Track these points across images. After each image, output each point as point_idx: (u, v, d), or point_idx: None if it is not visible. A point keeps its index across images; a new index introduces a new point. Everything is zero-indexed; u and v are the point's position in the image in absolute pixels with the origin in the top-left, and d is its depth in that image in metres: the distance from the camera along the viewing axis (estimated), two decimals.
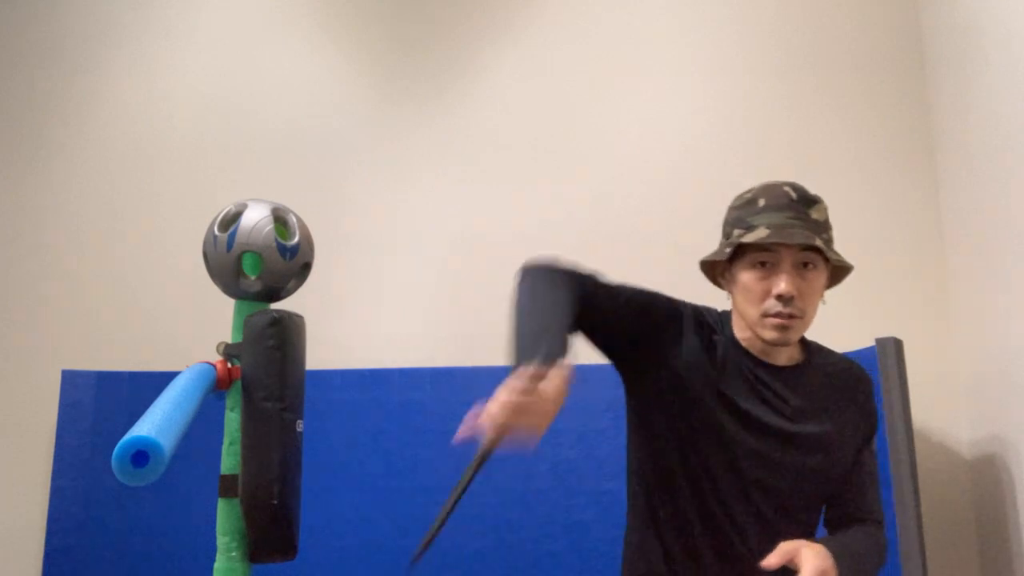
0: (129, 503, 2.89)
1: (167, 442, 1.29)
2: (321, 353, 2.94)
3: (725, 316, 1.48)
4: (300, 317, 1.88)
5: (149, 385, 2.91)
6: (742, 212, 1.37)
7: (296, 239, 1.90)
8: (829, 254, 1.33)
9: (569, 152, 3.22)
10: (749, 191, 1.39)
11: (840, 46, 3.13)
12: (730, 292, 1.43)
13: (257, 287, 1.86)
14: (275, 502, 1.72)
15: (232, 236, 1.84)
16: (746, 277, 1.36)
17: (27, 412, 3.22)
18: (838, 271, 1.42)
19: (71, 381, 3.00)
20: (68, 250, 3.37)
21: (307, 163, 3.33)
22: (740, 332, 1.43)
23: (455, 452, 2.84)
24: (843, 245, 3.00)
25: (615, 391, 2.79)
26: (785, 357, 1.43)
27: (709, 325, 1.44)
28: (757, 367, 1.41)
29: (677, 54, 3.23)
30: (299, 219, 1.95)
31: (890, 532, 2.31)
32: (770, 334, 1.35)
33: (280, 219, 1.90)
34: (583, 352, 3.01)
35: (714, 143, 3.14)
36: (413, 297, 3.18)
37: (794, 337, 1.35)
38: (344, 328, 3.19)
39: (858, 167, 3.04)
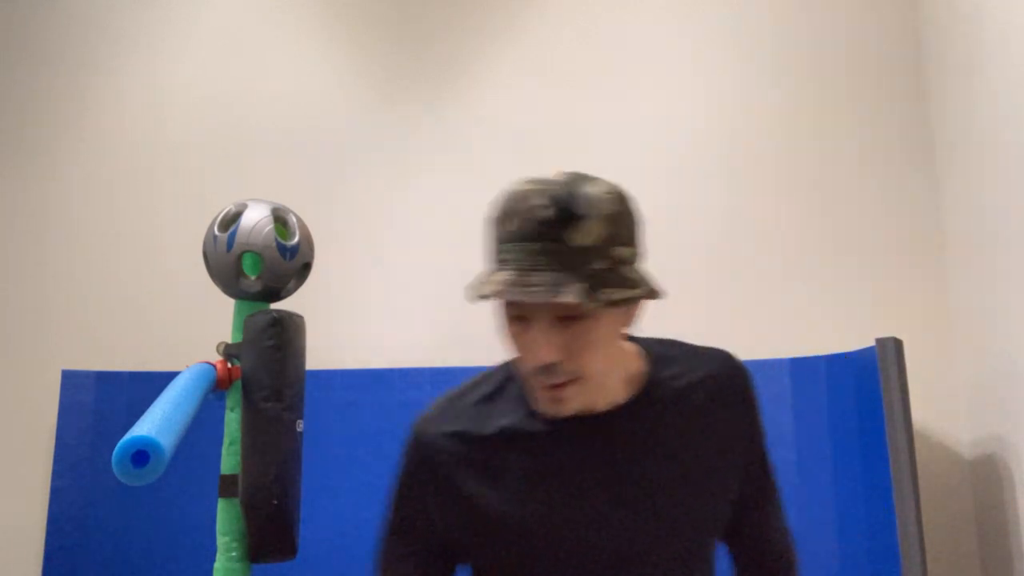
0: (129, 503, 2.89)
1: (167, 442, 1.29)
2: (321, 353, 2.94)
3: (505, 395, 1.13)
4: (300, 317, 1.88)
5: (149, 385, 2.91)
6: (497, 233, 1.00)
7: (296, 239, 1.91)
8: (588, 306, 0.94)
9: (569, 151, 3.22)
10: (510, 195, 1.00)
11: (840, 46, 3.13)
12: None
13: (257, 287, 1.86)
14: (275, 502, 1.72)
15: (232, 236, 1.84)
16: (507, 326, 1.03)
17: (27, 412, 3.22)
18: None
19: (71, 381, 3.00)
20: (68, 250, 3.37)
21: (307, 163, 3.33)
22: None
23: None
24: (843, 245, 3.00)
25: None
26: (604, 400, 1.08)
27: (460, 451, 1.09)
28: (558, 429, 1.07)
29: (677, 53, 3.23)
30: (299, 219, 1.95)
31: (890, 532, 2.31)
32: (544, 407, 1.03)
33: (280, 219, 1.90)
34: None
35: (714, 142, 3.14)
36: (413, 297, 3.18)
37: (578, 405, 1.03)
38: (344, 328, 3.19)
39: (858, 167, 3.04)
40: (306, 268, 1.96)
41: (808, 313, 2.96)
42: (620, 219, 0.99)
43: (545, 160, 3.22)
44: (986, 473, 2.64)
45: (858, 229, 3.00)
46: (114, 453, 1.24)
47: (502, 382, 1.15)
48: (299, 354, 1.86)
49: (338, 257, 3.22)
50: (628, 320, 1.04)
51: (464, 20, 3.37)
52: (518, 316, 1.00)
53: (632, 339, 1.17)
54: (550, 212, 0.96)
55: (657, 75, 3.23)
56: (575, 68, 3.28)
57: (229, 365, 1.79)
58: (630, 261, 1.00)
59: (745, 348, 2.94)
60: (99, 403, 2.98)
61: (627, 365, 1.11)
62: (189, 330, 3.21)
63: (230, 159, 3.37)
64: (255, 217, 1.86)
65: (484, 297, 0.95)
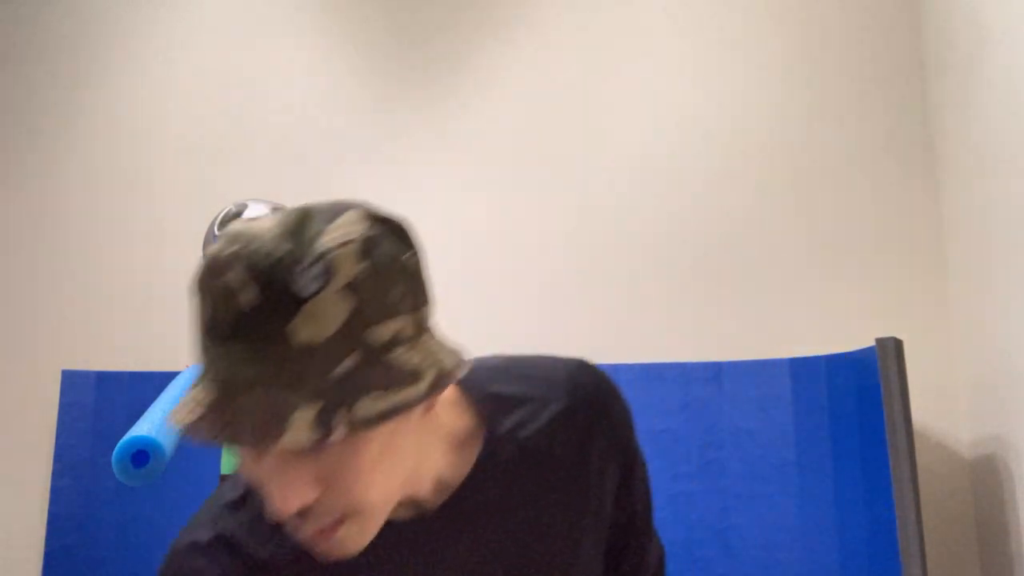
0: (129, 503, 2.89)
1: (167, 442, 1.29)
2: None
3: None
4: None
5: (149, 385, 2.91)
6: (195, 318, 0.67)
7: None
8: (334, 436, 0.62)
9: (570, 151, 3.22)
10: (204, 258, 0.66)
11: (840, 45, 3.13)
12: None
13: None
14: None
15: None
16: (246, 469, 0.70)
17: (27, 412, 3.22)
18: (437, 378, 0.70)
19: (71, 381, 3.00)
20: (68, 250, 3.37)
21: (307, 162, 3.33)
22: None
23: None
24: (844, 245, 3.00)
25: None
26: (427, 490, 0.79)
27: None
28: (381, 541, 0.78)
29: (675, 55, 3.23)
30: None
31: (890, 532, 2.31)
32: (320, 554, 0.75)
33: None
34: (578, 351, 3.02)
35: (713, 142, 3.14)
36: None
37: (363, 543, 0.71)
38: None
39: (858, 167, 3.04)
40: None
41: (808, 313, 2.96)
42: (372, 283, 0.65)
43: (546, 159, 3.22)
44: (986, 473, 2.63)
45: (858, 229, 3.00)
46: (114, 453, 1.24)
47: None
48: None
49: None
50: (424, 407, 0.72)
51: (464, 20, 3.37)
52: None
53: (459, 384, 0.86)
54: (252, 295, 0.62)
55: (656, 76, 3.22)
56: (574, 68, 3.27)
57: None
58: (401, 341, 0.67)
59: (745, 348, 2.94)
60: (99, 403, 2.98)
61: (451, 432, 0.81)
62: (189, 330, 3.21)
63: (230, 159, 3.37)
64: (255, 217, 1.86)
65: (183, 430, 0.63)
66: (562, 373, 0.89)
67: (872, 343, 2.47)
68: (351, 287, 0.64)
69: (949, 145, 2.88)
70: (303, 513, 0.68)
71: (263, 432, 0.61)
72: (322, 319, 0.63)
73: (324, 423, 0.62)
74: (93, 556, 2.86)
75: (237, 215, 1.87)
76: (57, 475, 2.92)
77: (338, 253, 0.64)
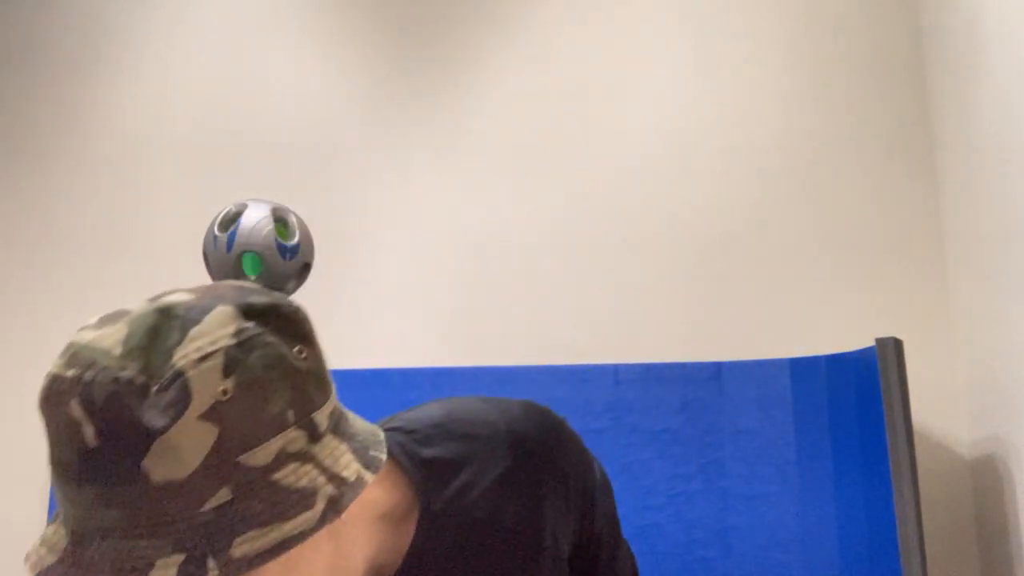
0: None
1: None
2: None
3: None
4: None
5: None
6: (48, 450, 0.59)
7: (296, 239, 1.90)
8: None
9: (571, 150, 3.22)
10: (43, 383, 0.58)
11: (839, 44, 3.13)
12: None
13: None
14: None
15: (232, 236, 1.84)
16: None
17: (27, 412, 3.22)
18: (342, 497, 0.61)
19: None
20: (67, 249, 3.37)
21: (307, 163, 3.33)
22: None
23: None
24: (843, 245, 3.00)
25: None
26: (366, 568, 0.72)
27: None
28: None
29: (675, 54, 3.23)
30: (299, 219, 1.95)
31: (890, 532, 2.31)
32: None
33: (280, 219, 1.90)
34: (578, 351, 3.02)
35: (713, 141, 3.14)
36: (413, 297, 3.18)
37: None
38: (344, 328, 3.19)
39: (857, 166, 3.04)
40: (306, 268, 1.96)
41: (808, 313, 2.96)
42: (242, 402, 0.55)
43: (547, 158, 3.22)
44: (986, 473, 2.63)
45: (858, 229, 3.00)
46: None
47: None
48: None
49: (338, 257, 3.22)
50: (331, 517, 0.59)
51: (465, 19, 3.37)
52: None
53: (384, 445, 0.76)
54: (93, 433, 0.53)
55: (656, 75, 3.22)
56: (575, 66, 3.27)
57: None
58: (286, 460, 0.56)
59: (745, 348, 2.94)
60: None
61: (383, 508, 0.72)
62: None
63: (230, 159, 3.37)
64: (255, 217, 1.86)
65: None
66: (504, 426, 0.80)
67: (872, 343, 2.47)
68: (213, 411, 0.53)
69: (949, 145, 2.88)
70: None
71: (126, 569, 0.51)
72: (179, 454, 0.52)
73: (192, 573, 0.51)
74: None
75: (237, 215, 1.87)
76: None
77: (195, 372, 0.54)
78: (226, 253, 1.83)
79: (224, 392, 0.54)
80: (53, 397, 0.55)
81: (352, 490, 0.58)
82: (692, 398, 2.76)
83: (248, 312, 0.58)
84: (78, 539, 0.53)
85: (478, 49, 3.35)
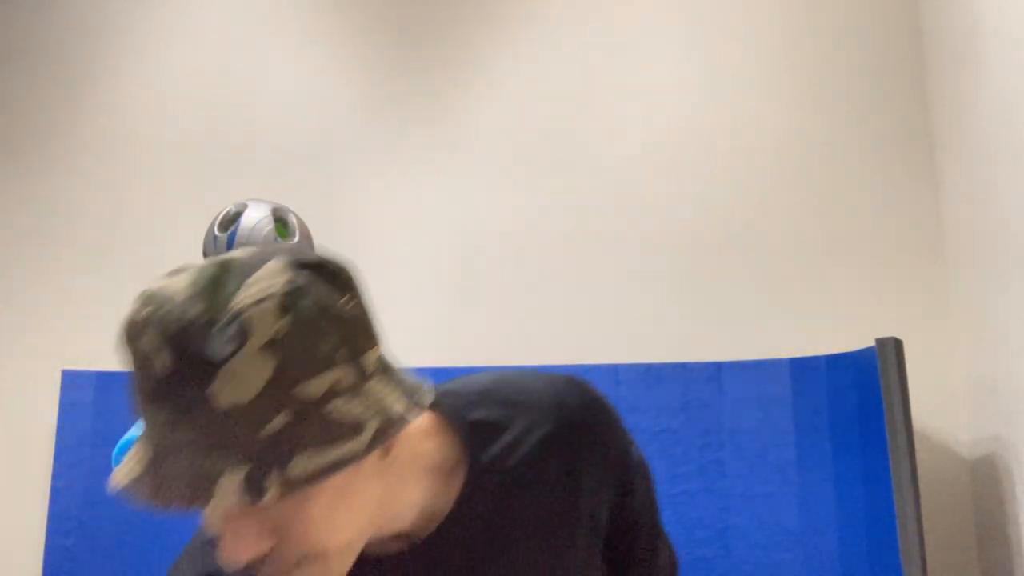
0: (129, 503, 2.89)
1: None
2: None
3: None
4: None
5: None
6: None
7: (296, 239, 1.90)
8: (262, 500, 0.61)
9: (571, 150, 3.22)
10: (125, 320, 0.66)
11: (839, 45, 3.13)
12: None
13: None
14: None
15: (232, 236, 1.84)
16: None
17: (27, 412, 3.22)
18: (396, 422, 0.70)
19: (71, 381, 3.00)
20: (68, 250, 3.37)
21: (307, 162, 3.33)
22: None
23: None
24: (843, 245, 3.00)
25: (614, 392, 2.79)
26: (418, 514, 0.79)
27: None
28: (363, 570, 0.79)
29: (676, 54, 3.23)
30: (299, 219, 1.95)
31: (890, 532, 2.31)
32: None
33: (280, 219, 1.90)
34: (578, 351, 3.02)
35: (713, 141, 3.14)
36: (413, 297, 3.18)
37: None
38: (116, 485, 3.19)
39: (858, 166, 3.04)
40: None
41: (808, 313, 2.96)
42: (297, 338, 0.63)
43: (547, 159, 3.22)
44: (986, 473, 2.63)
45: (858, 229, 3.00)
46: (114, 453, 1.24)
47: None
48: None
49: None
50: (381, 451, 0.71)
51: (465, 19, 3.37)
52: None
53: (438, 405, 0.84)
54: (166, 361, 0.61)
55: (656, 74, 3.22)
56: (574, 67, 3.28)
57: None
58: (338, 392, 0.65)
59: (745, 348, 2.94)
60: (99, 403, 2.98)
61: (437, 459, 0.80)
62: None
63: (230, 159, 3.37)
64: (255, 217, 1.86)
65: (119, 492, 0.64)
66: (548, 395, 0.86)
67: (872, 343, 2.47)
68: (271, 346, 0.62)
69: (949, 145, 2.88)
70: (260, 562, 0.67)
71: (192, 497, 0.59)
72: (242, 381, 0.60)
73: (254, 486, 0.60)
74: (93, 556, 2.86)
75: (237, 215, 1.87)
76: (57, 475, 2.91)
77: (254, 311, 0.62)
78: (226, 253, 1.83)
79: (279, 331, 0.62)
80: (130, 332, 0.63)
81: (397, 424, 0.66)
82: (692, 398, 2.76)
83: (299, 265, 0.66)
84: (158, 455, 0.61)
85: (478, 49, 3.35)
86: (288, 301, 0.64)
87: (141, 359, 0.62)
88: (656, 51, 3.24)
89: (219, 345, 0.61)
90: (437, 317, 3.15)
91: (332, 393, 0.64)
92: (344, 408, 0.64)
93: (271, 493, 0.60)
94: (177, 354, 0.61)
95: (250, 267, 0.65)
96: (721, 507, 2.65)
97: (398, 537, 0.79)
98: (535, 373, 0.89)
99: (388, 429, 0.65)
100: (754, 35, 3.19)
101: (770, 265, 3.02)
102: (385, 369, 0.70)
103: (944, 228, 2.95)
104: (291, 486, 0.61)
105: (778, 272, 3.01)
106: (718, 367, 2.77)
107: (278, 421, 0.62)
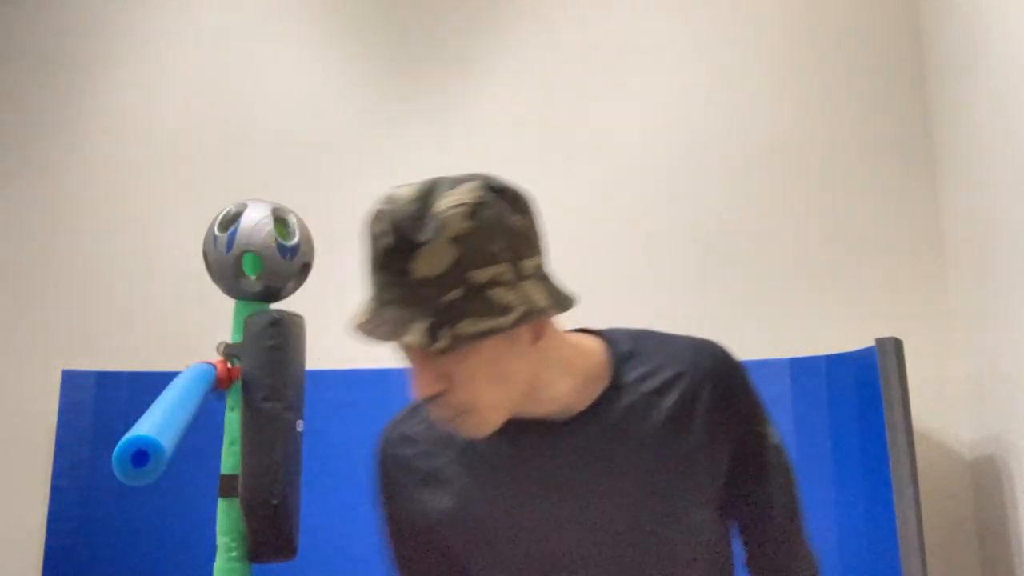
0: (129, 503, 2.89)
1: (167, 442, 1.29)
2: (321, 353, 2.94)
3: None
4: (300, 317, 1.88)
5: (149, 385, 2.89)
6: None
7: (296, 239, 1.90)
8: (436, 344, 0.85)
9: (569, 151, 3.22)
10: (370, 211, 0.94)
11: (840, 46, 3.13)
12: None
13: (257, 287, 1.86)
14: (275, 502, 1.72)
15: (232, 236, 1.84)
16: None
17: (27, 412, 3.22)
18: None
19: (71, 381, 2.99)
20: (68, 250, 3.37)
21: (307, 163, 3.33)
22: None
23: None
24: (843, 245, 3.00)
25: None
26: (557, 408, 1.01)
27: (409, 458, 1.09)
28: (513, 435, 1.01)
29: (678, 52, 3.23)
30: (299, 219, 1.95)
31: (890, 532, 2.31)
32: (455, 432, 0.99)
33: (280, 219, 1.90)
34: None
35: (714, 142, 3.14)
36: None
37: (485, 431, 0.96)
38: (344, 328, 3.18)
39: (858, 166, 3.04)
40: (306, 268, 1.96)
41: (808, 313, 2.96)
42: (475, 237, 0.87)
43: (546, 158, 3.22)
44: (986, 473, 2.63)
45: (858, 229, 3.00)
46: (114, 453, 1.24)
47: None
48: (299, 354, 1.86)
49: (338, 257, 3.21)
50: (530, 337, 0.94)
51: (464, 19, 3.37)
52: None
53: (600, 332, 1.08)
54: (389, 240, 0.88)
55: (656, 74, 3.22)
56: (575, 66, 3.27)
57: (229, 365, 1.79)
58: (502, 281, 0.88)
59: (745, 348, 2.93)
60: (99, 403, 2.98)
61: (587, 369, 1.02)
62: (189, 330, 3.21)
63: (230, 159, 3.37)
64: (255, 217, 1.86)
65: (355, 328, 0.91)
66: (688, 347, 1.07)
67: (872, 343, 2.46)
68: (456, 240, 0.87)
69: (949, 145, 2.88)
70: (433, 401, 0.94)
71: (393, 335, 0.87)
72: (434, 261, 0.86)
73: (432, 335, 0.86)
74: (93, 556, 2.86)
75: (237, 215, 1.87)
76: (57, 475, 2.91)
77: (449, 214, 0.87)
78: (226, 253, 1.83)
79: (463, 230, 0.87)
80: (372, 220, 0.91)
81: (538, 315, 0.90)
82: None
83: (489, 187, 0.91)
84: (377, 305, 0.89)
85: (478, 51, 3.35)
86: (474, 210, 0.88)
87: (375, 239, 0.90)
88: (656, 53, 3.24)
89: (422, 234, 0.87)
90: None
91: (493, 283, 0.88)
92: (500, 294, 0.88)
93: (442, 342, 0.86)
94: (395, 237, 0.87)
95: (454, 183, 0.91)
96: None
97: (539, 421, 1.01)
98: (684, 334, 1.10)
99: (530, 316, 0.89)
100: (755, 36, 3.19)
101: (770, 265, 3.02)
102: (541, 276, 0.93)
103: (944, 228, 2.95)
104: (457, 340, 0.86)
105: (778, 272, 3.01)
106: None
107: (453, 294, 0.87)
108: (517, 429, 1.01)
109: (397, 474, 1.11)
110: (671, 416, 1.02)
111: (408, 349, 0.92)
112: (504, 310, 0.88)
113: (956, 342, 2.86)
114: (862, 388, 2.50)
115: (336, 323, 3.24)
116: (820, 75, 3.12)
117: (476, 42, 3.35)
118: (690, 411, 1.03)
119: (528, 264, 0.92)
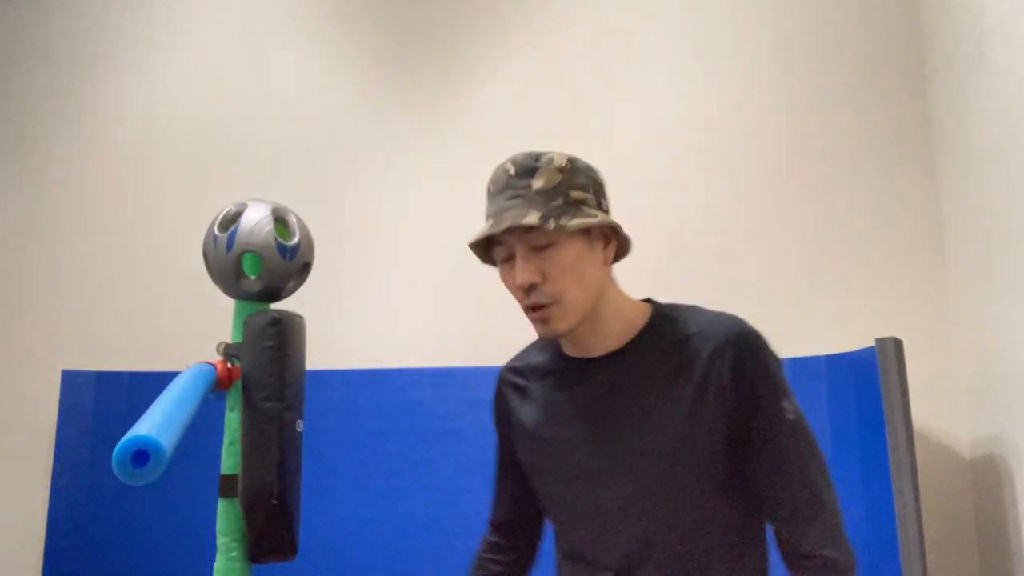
0: (129, 503, 2.89)
1: (167, 442, 1.29)
2: (321, 353, 2.94)
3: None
4: (300, 317, 1.88)
5: (149, 385, 2.91)
6: (486, 203, 1.29)
7: (296, 239, 1.90)
8: (548, 226, 1.18)
9: (572, 152, 3.22)
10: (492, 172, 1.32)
11: (840, 45, 3.13)
12: None
13: (257, 287, 1.86)
14: (275, 502, 1.72)
15: (232, 236, 1.84)
16: (500, 273, 1.28)
17: (27, 412, 3.22)
18: (618, 229, 1.27)
19: (71, 381, 3.00)
20: (68, 250, 3.37)
21: (307, 163, 3.34)
22: None
23: (455, 452, 2.84)
24: (843, 245, 3.00)
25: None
26: (603, 346, 1.30)
27: (513, 380, 1.41)
28: (569, 368, 1.33)
29: (678, 53, 3.23)
30: (299, 219, 1.95)
31: (890, 532, 2.31)
32: (536, 330, 1.26)
33: (280, 219, 1.90)
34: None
35: (714, 142, 3.14)
36: (413, 297, 3.18)
37: (563, 326, 1.23)
38: (344, 328, 3.19)
39: (858, 166, 3.04)
40: (306, 268, 1.96)
41: (808, 313, 2.96)
42: (573, 171, 1.25)
43: None
44: (986, 473, 2.63)
45: (858, 229, 3.00)
46: (114, 453, 1.24)
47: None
48: (299, 354, 1.85)
49: (338, 257, 3.22)
50: (602, 256, 1.27)
51: (465, 20, 3.37)
52: (506, 258, 1.25)
53: (650, 301, 1.35)
54: (513, 168, 1.25)
55: (658, 74, 3.23)
56: (577, 69, 3.28)
57: (229, 365, 1.79)
58: (588, 203, 1.24)
59: None
60: (99, 403, 2.98)
61: (631, 320, 1.31)
62: (189, 330, 3.21)
63: (230, 159, 3.37)
64: (255, 217, 1.86)
65: (482, 236, 1.22)
66: (717, 316, 1.30)
67: (872, 343, 2.47)
68: (560, 169, 1.24)
69: (949, 145, 2.88)
70: (530, 291, 1.22)
71: (518, 217, 1.18)
72: (546, 178, 1.23)
73: (545, 220, 1.18)
74: (93, 556, 2.86)
75: (237, 215, 1.87)
76: (57, 475, 2.91)
77: (555, 156, 1.25)
78: (226, 253, 1.83)
79: (564, 165, 1.24)
80: (499, 167, 1.28)
81: (613, 230, 1.27)
82: None
83: (575, 158, 1.27)
84: (498, 216, 1.22)
85: (479, 53, 3.35)
86: (569, 158, 1.26)
87: (500, 173, 1.26)
88: (655, 53, 3.24)
89: (538, 163, 1.24)
90: (437, 318, 3.15)
91: (584, 202, 1.23)
92: (589, 210, 1.23)
93: (550, 224, 1.18)
94: (517, 168, 1.24)
95: (552, 153, 1.27)
96: None
97: (588, 359, 1.31)
98: (721, 311, 1.33)
99: (607, 226, 1.25)
100: (755, 36, 3.19)
101: (770, 265, 3.02)
102: (609, 213, 1.29)
103: (944, 228, 2.95)
104: (560, 229, 1.18)
105: (778, 272, 3.02)
106: None
107: (558, 201, 1.21)
108: (570, 364, 1.33)
109: (504, 389, 1.43)
110: (687, 362, 1.25)
111: (519, 243, 1.22)
112: (591, 216, 1.22)
113: (956, 342, 2.86)
114: (862, 388, 2.50)
115: (336, 323, 3.24)
116: (820, 75, 3.12)
117: (476, 43, 3.35)
118: (702, 354, 1.25)
119: (604, 203, 1.28)
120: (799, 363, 2.70)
